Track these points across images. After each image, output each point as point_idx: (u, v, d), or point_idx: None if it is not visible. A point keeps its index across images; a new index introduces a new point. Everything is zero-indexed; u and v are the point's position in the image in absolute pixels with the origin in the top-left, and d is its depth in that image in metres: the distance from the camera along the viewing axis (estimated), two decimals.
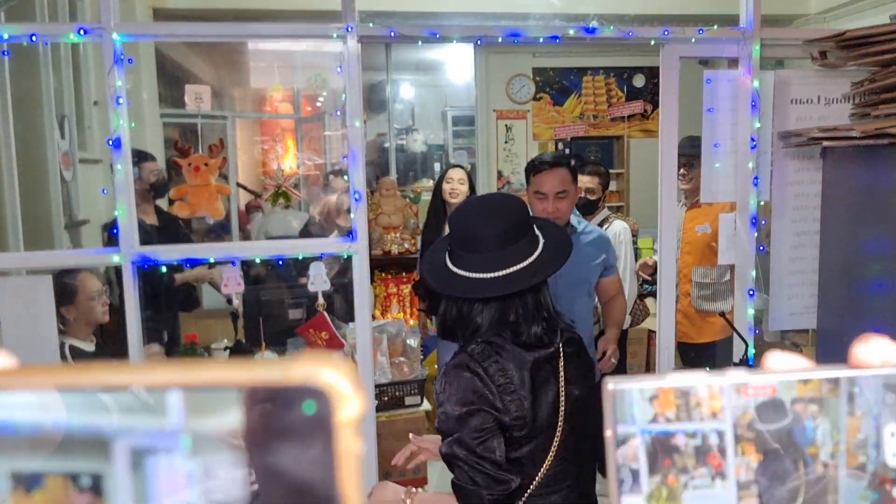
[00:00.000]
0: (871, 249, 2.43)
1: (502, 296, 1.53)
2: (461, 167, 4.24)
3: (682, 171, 3.78)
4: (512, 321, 1.55)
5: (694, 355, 3.82)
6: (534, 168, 2.67)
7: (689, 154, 3.73)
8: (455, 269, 1.57)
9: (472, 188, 4.06)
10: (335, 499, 0.33)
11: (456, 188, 3.93)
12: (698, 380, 0.37)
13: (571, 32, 2.64)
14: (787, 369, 0.38)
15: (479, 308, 1.56)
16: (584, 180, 4.40)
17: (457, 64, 7.87)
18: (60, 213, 3.77)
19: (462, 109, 7.87)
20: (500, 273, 1.52)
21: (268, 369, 0.33)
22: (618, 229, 4.40)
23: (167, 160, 4.62)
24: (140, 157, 3.76)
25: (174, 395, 0.32)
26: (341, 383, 0.34)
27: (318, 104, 6.70)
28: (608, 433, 0.36)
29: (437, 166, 8.15)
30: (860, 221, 2.49)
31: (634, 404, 0.36)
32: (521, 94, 6.85)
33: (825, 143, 2.51)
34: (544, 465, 1.57)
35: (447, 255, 1.61)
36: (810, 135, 2.60)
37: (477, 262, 1.54)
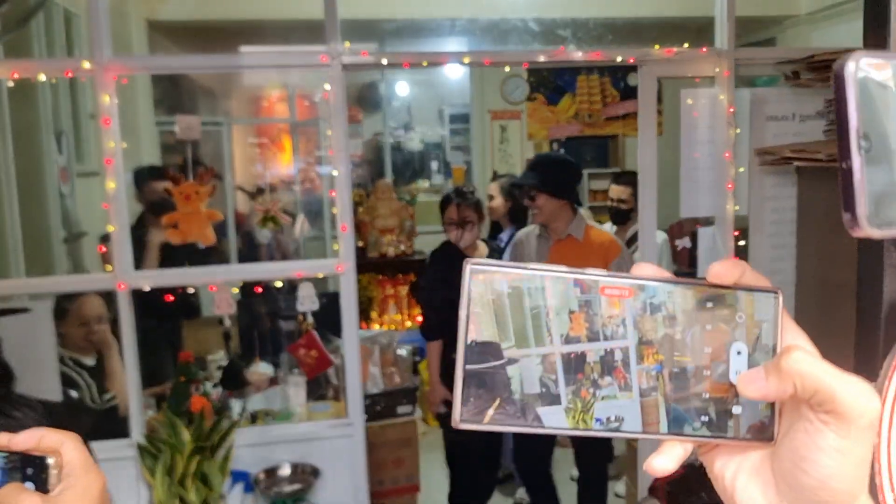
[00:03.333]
0: (845, 263, 2.51)
1: None
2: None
3: (526, 200, 3.24)
4: None
5: None
6: None
7: (529, 184, 3.17)
8: None
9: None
10: None
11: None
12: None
13: (559, 53, 2.71)
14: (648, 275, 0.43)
15: None
16: (617, 190, 4.19)
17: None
18: (60, 228, 3.86)
19: (458, 107, 7.92)
20: None
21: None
22: (658, 241, 3.91)
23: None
24: (144, 175, 3.76)
25: None
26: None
27: (315, 101, 6.76)
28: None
29: (433, 165, 8.23)
30: (835, 236, 2.56)
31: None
32: (515, 95, 6.90)
33: (796, 164, 2.58)
34: None
35: None
36: (782, 154, 2.67)
37: None
